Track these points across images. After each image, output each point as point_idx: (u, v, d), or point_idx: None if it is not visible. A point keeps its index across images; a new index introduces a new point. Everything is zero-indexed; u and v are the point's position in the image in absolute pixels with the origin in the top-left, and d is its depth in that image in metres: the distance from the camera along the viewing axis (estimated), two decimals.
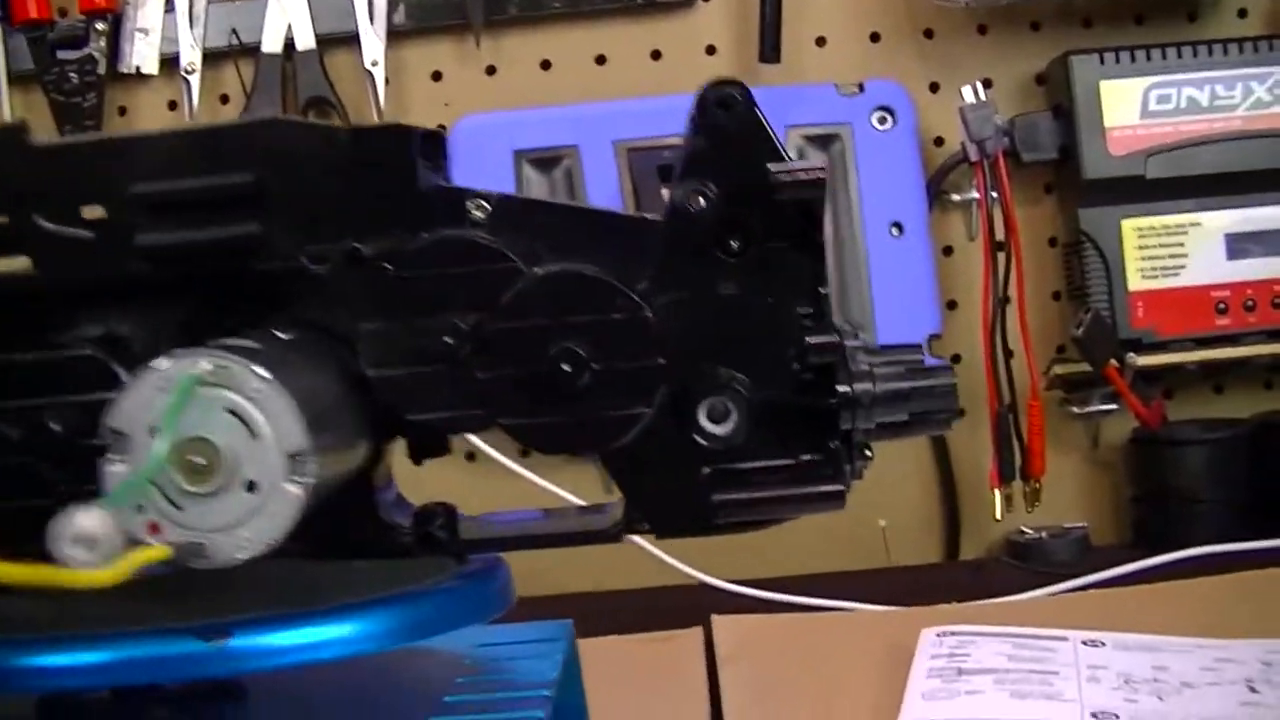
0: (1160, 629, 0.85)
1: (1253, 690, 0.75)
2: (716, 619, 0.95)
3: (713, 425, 0.52)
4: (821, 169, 0.51)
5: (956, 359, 1.24)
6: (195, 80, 1.21)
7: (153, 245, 0.53)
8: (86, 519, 0.44)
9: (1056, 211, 1.26)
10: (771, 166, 0.51)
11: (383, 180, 0.53)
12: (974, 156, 1.17)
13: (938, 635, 0.85)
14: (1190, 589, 0.99)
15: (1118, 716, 0.71)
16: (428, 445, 0.57)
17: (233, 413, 0.45)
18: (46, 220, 0.53)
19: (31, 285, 0.53)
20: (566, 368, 0.51)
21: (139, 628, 0.47)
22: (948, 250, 1.25)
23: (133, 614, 0.48)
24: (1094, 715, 0.71)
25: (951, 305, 1.25)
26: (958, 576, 1.13)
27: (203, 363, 0.45)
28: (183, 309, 0.54)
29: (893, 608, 0.99)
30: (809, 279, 0.53)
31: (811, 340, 0.52)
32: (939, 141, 1.24)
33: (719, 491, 0.53)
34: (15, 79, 1.23)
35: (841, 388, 0.52)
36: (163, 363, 0.46)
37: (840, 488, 0.53)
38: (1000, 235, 1.17)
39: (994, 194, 1.17)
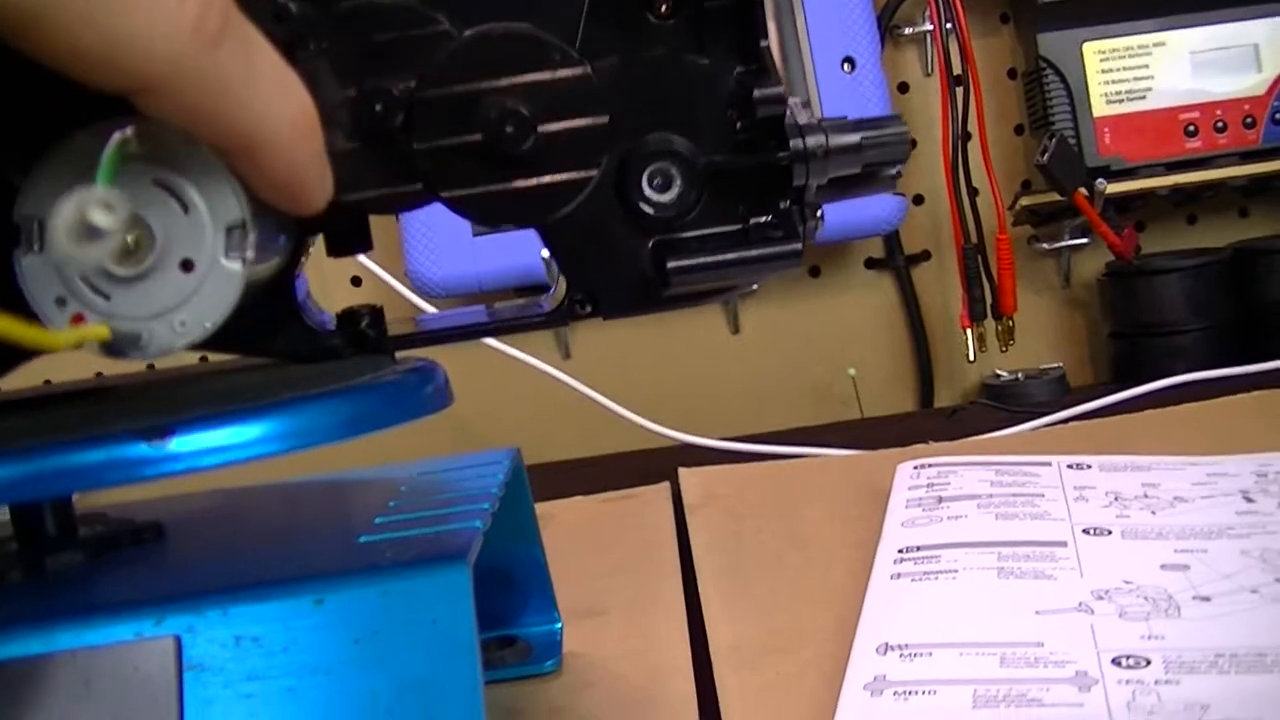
0: (1147, 454, 0.81)
1: (1248, 500, 0.71)
2: (684, 471, 0.92)
3: (656, 193, 0.50)
4: None
5: (919, 200, 1.20)
6: None
7: None
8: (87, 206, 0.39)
9: (1014, 42, 1.21)
10: None
11: None
12: None
13: (915, 468, 0.81)
14: (1174, 415, 0.96)
15: (1110, 531, 0.67)
16: (346, 236, 0.52)
17: (161, 184, 0.41)
18: None
19: None
20: (510, 129, 0.47)
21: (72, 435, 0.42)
22: (903, 87, 1.21)
23: (58, 424, 0.44)
24: (1085, 531, 0.67)
25: (911, 144, 1.19)
26: (934, 423, 1.08)
27: (125, 127, 0.41)
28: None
29: (863, 451, 0.95)
30: (746, 33, 0.50)
31: (758, 93, 0.49)
32: None
33: (673, 257, 0.49)
34: None
35: (793, 142, 0.49)
36: (78, 135, 0.41)
37: (797, 246, 0.50)
38: (957, 69, 1.12)
39: (948, 25, 1.12)
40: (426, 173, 0.48)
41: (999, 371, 1.16)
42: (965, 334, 1.13)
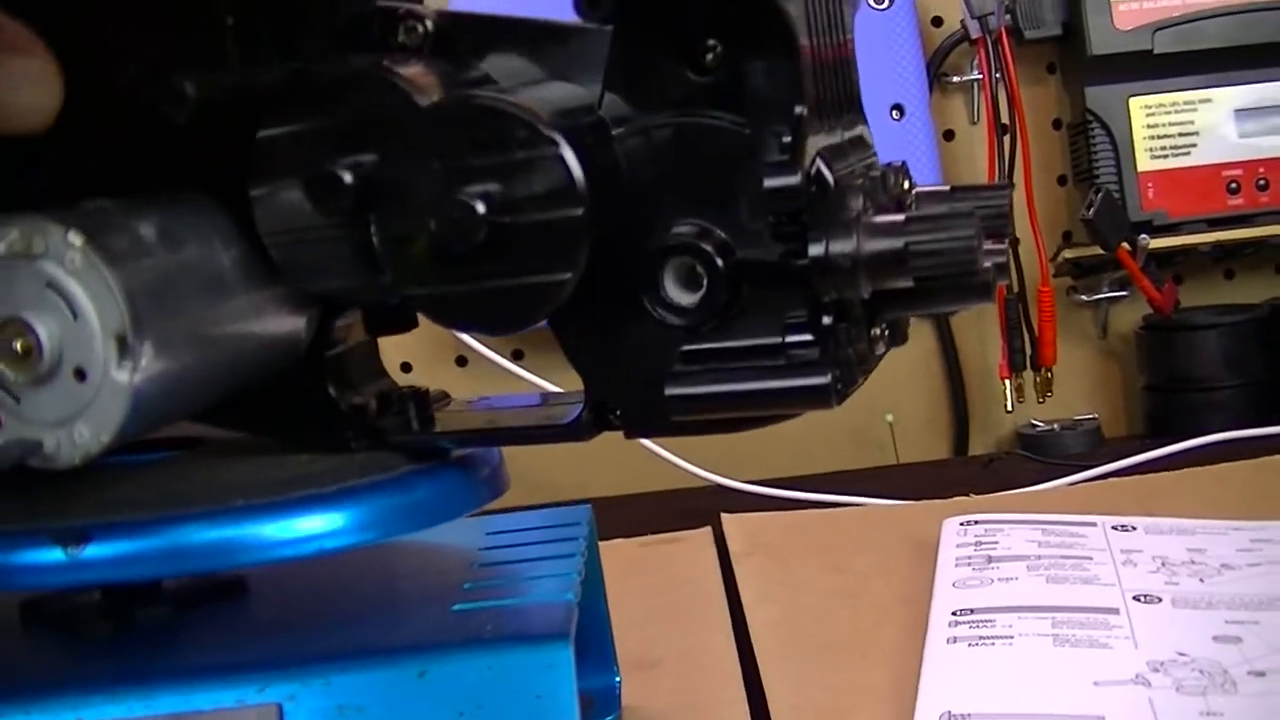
0: (1187, 516, 0.82)
1: None
2: (726, 517, 0.92)
3: (681, 294, 0.42)
4: None
5: None
6: None
7: None
8: None
9: (1061, 91, 1.22)
10: None
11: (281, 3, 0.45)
12: (975, 34, 1.13)
13: (961, 524, 0.81)
14: (1212, 475, 0.96)
15: (1160, 599, 0.68)
16: (387, 315, 0.49)
17: (53, 288, 0.40)
18: None
19: None
20: (458, 220, 0.40)
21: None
22: (949, 134, 1.21)
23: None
24: (1136, 598, 0.68)
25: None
26: (969, 471, 1.09)
27: (9, 230, 0.40)
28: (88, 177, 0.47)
29: (906, 501, 0.96)
30: (786, 97, 0.41)
31: (768, 183, 0.40)
32: (937, 21, 1.20)
33: (674, 384, 0.42)
34: None
35: (815, 246, 0.40)
36: None
37: (822, 381, 0.40)
38: (1004, 117, 1.14)
39: (996, 74, 1.13)
40: (389, 265, 0.43)
41: (1034, 421, 1.17)
42: (1004, 384, 1.14)
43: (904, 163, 0.47)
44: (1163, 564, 0.73)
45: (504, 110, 0.40)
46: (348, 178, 0.41)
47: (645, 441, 1.05)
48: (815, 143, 0.41)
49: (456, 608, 0.45)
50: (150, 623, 0.48)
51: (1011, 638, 0.64)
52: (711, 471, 1.05)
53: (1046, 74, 1.22)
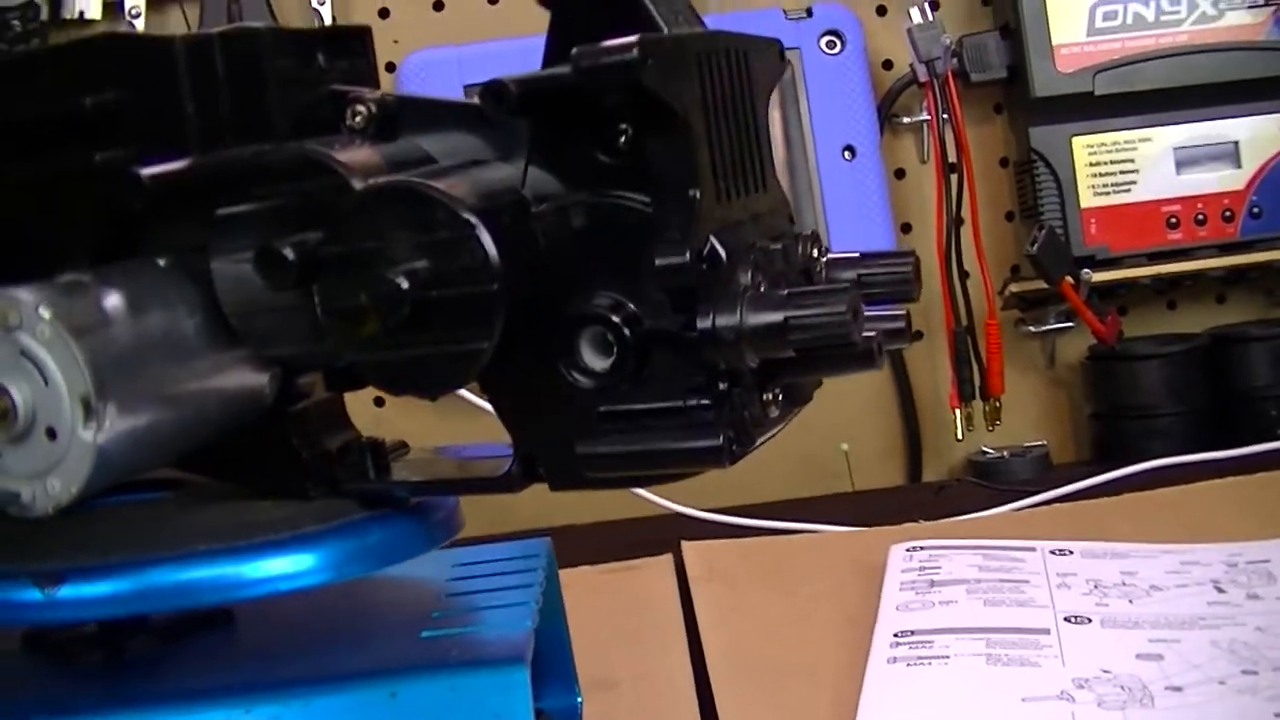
0: (1124, 539, 0.86)
1: (1219, 590, 0.76)
2: (686, 544, 0.96)
3: (595, 359, 0.45)
4: (630, 45, 0.42)
5: None
6: (140, 24, 1.19)
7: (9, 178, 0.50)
8: None
9: (1007, 131, 1.26)
10: (576, 50, 0.43)
11: (248, 89, 0.49)
12: (923, 77, 1.18)
13: (907, 550, 0.85)
14: (1151, 500, 1.01)
15: (1090, 620, 0.72)
16: (340, 377, 0.53)
17: (26, 356, 0.44)
18: None
19: None
20: (385, 295, 0.44)
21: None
22: (899, 173, 1.25)
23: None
24: (1067, 619, 0.72)
25: (906, 228, 1.25)
26: (921, 497, 1.13)
27: None
28: (74, 245, 0.50)
29: (859, 528, 1.00)
30: (674, 178, 0.44)
31: (658, 261, 0.43)
32: (888, 65, 1.24)
33: (584, 443, 0.45)
34: None
35: (703, 320, 0.43)
36: None
37: (715, 442, 0.44)
38: (952, 157, 1.18)
39: (944, 115, 1.18)
40: (332, 334, 0.46)
41: (985, 449, 1.22)
42: (954, 414, 1.18)
43: (814, 231, 0.50)
44: (1095, 586, 0.77)
45: (428, 195, 0.44)
46: (290, 254, 0.45)
47: None
48: (721, 217, 0.45)
49: (425, 634, 0.49)
50: (140, 652, 0.52)
51: (948, 658, 0.68)
52: (671, 500, 1.09)
53: (994, 114, 1.26)
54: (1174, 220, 1.18)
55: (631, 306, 0.44)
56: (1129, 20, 1.18)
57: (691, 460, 0.45)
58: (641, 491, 1.08)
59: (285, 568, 0.45)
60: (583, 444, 0.45)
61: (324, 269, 0.45)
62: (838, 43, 1.19)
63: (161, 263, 0.48)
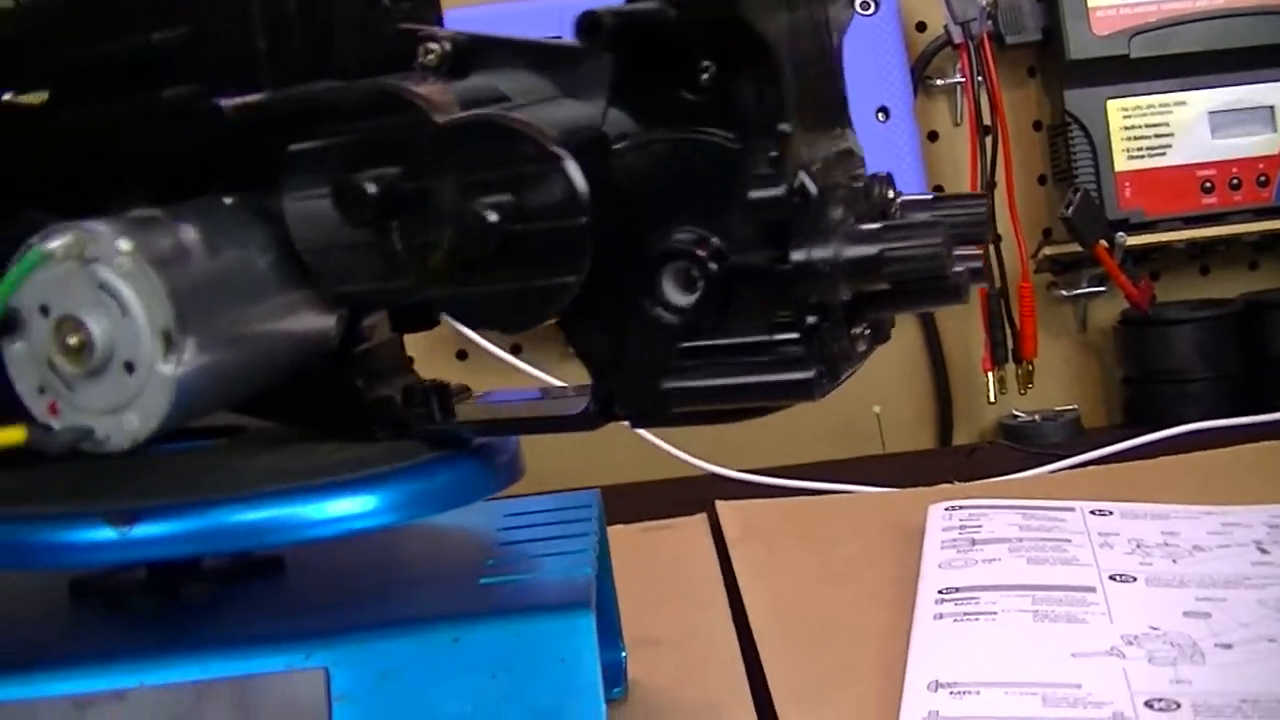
0: (1160, 501, 0.86)
1: (1263, 551, 0.75)
2: (721, 504, 0.96)
3: (678, 295, 0.45)
4: None
5: None
6: None
7: (79, 117, 0.50)
8: None
9: (1040, 94, 1.25)
10: None
11: (320, 27, 0.48)
12: (958, 39, 1.17)
13: (946, 509, 0.85)
14: (1186, 463, 1.00)
15: (1135, 578, 0.72)
16: (410, 314, 0.53)
17: (104, 289, 0.43)
18: None
19: None
20: (473, 228, 0.44)
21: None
22: (933, 135, 1.25)
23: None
24: (1112, 577, 0.72)
25: (938, 190, 1.24)
26: (953, 460, 1.13)
27: (65, 237, 0.44)
28: (139, 184, 0.51)
29: (894, 489, 0.99)
30: (772, 114, 0.44)
31: (753, 194, 0.44)
32: (921, 27, 1.24)
33: (670, 378, 0.45)
34: None
35: (796, 252, 0.44)
36: (35, 238, 0.45)
37: (805, 375, 0.44)
38: (986, 119, 1.17)
39: (979, 78, 1.17)
40: (414, 269, 0.46)
41: (1016, 412, 1.21)
42: (987, 377, 1.18)
43: (889, 173, 0.50)
44: (1138, 546, 0.77)
45: (514, 129, 0.44)
46: (371, 189, 0.45)
47: (642, 432, 1.09)
48: (806, 154, 0.45)
49: (483, 581, 0.48)
50: (193, 598, 0.52)
51: (995, 614, 0.68)
52: (705, 460, 1.09)
53: (1027, 77, 1.26)
54: (1209, 185, 1.18)
55: (716, 241, 0.44)
56: None
57: (781, 393, 0.45)
58: (675, 451, 1.08)
59: (359, 507, 0.45)
60: (669, 379, 0.45)
61: (404, 204, 0.45)
62: (871, 4, 1.18)
63: (229, 200, 0.48)
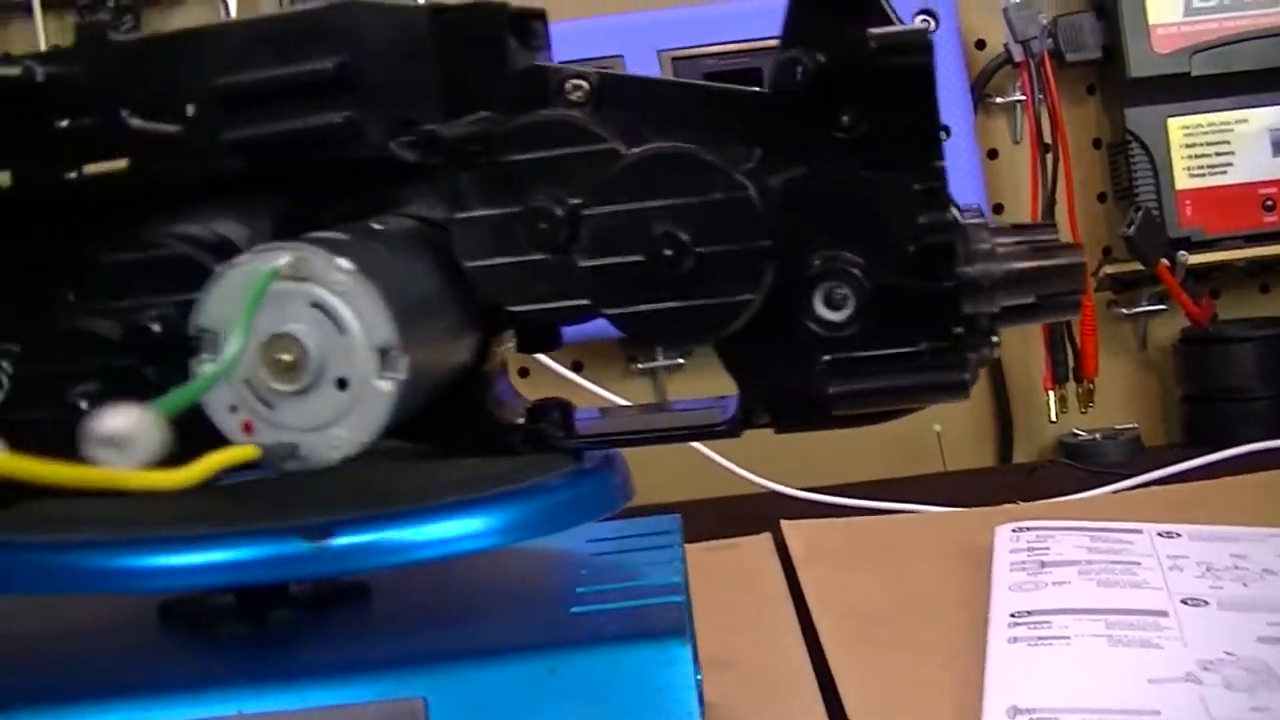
0: (1223, 523, 0.86)
1: None
2: (786, 524, 0.96)
3: (829, 312, 0.50)
4: (925, 30, 0.48)
5: None
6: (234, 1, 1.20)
7: (239, 139, 0.52)
8: (117, 419, 0.41)
9: (1099, 112, 1.26)
10: (872, 30, 0.48)
11: (470, 61, 0.51)
12: (1018, 57, 1.18)
13: (1013, 531, 0.85)
14: (1249, 483, 1.00)
15: (1207, 602, 0.72)
16: (538, 336, 0.56)
17: (318, 307, 0.45)
18: (135, 117, 0.52)
19: (128, 185, 0.53)
20: (668, 253, 0.48)
21: (248, 527, 0.46)
22: (992, 153, 1.25)
23: (227, 516, 0.48)
24: (1184, 601, 0.72)
25: (998, 209, 1.25)
26: (1013, 479, 1.13)
27: (282, 256, 0.45)
28: (280, 205, 0.54)
29: (959, 509, 1.00)
30: (924, 153, 0.49)
31: (924, 219, 0.49)
32: (980, 44, 1.24)
33: (836, 382, 0.50)
34: (48, 5, 1.22)
35: (961, 270, 0.49)
36: (245, 258, 0.46)
37: (962, 377, 0.50)
38: (1047, 137, 1.17)
39: (1039, 95, 1.17)
40: (591, 289, 0.49)
41: (1076, 431, 1.21)
42: (1047, 395, 1.18)
43: (977, 204, 0.54)
44: (1207, 569, 0.77)
45: (706, 160, 0.48)
46: (559, 212, 0.49)
47: (705, 450, 1.09)
48: None
49: (575, 610, 0.49)
50: (282, 624, 0.52)
51: (1068, 638, 0.68)
52: (765, 478, 1.09)
53: (1086, 95, 1.26)
54: (1270, 203, 1.18)
55: (863, 262, 0.50)
56: (1226, 0, 1.17)
57: (935, 396, 0.50)
58: (737, 469, 1.08)
59: (527, 518, 0.48)
60: (835, 384, 0.50)
61: (588, 228, 0.49)
62: (931, 21, 1.18)
63: (406, 222, 0.51)
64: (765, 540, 0.95)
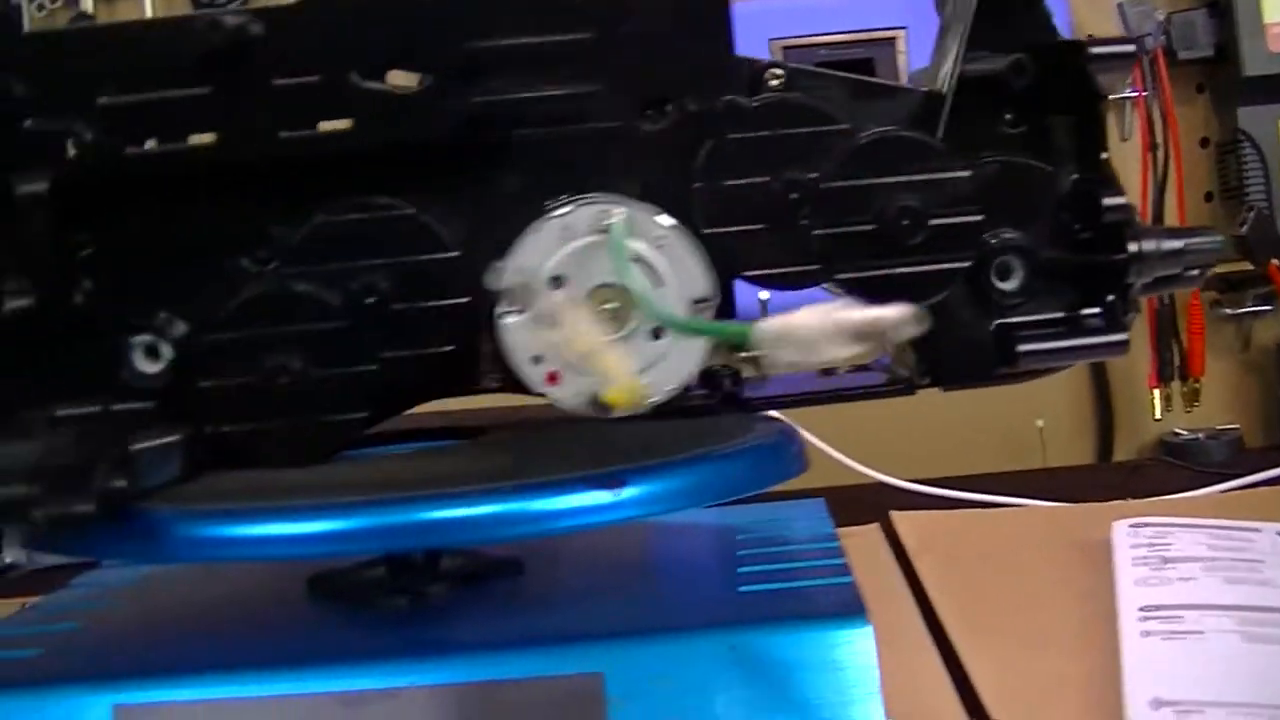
0: None
1: None
2: (896, 514, 0.96)
3: (1000, 282, 0.58)
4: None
5: None
6: None
7: (478, 105, 0.53)
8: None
9: (1208, 111, 1.25)
10: (1093, 37, 0.57)
11: (704, 42, 0.54)
12: None
13: (1131, 527, 0.85)
14: None
15: None
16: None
17: (639, 260, 0.47)
18: (363, 79, 0.52)
19: (351, 145, 0.52)
20: (905, 222, 0.56)
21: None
22: None
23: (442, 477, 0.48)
24: None
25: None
26: (1116, 476, 1.13)
27: (616, 210, 0.47)
28: (508, 173, 0.54)
29: (1067, 504, 0.99)
30: (1090, 145, 0.59)
31: (1106, 201, 0.58)
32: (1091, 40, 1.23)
33: (1026, 341, 0.58)
34: None
35: (1131, 245, 0.58)
36: (564, 211, 0.47)
37: (1123, 337, 0.59)
38: (1158, 135, 1.17)
39: (1151, 92, 1.17)
40: (826, 254, 0.55)
41: (1178, 430, 1.21)
42: (1152, 393, 1.17)
43: None
44: None
45: (927, 142, 0.57)
46: (804, 182, 0.56)
47: (815, 440, 1.09)
48: None
49: (744, 589, 0.49)
50: (437, 598, 0.53)
51: (1202, 632, 0.67)
52: (870, 468, 1.09)
53: (1195, 93, 1.25)
54: None
55: (1027, 239, 0.59)
56: None
57: (1104, 353, 0.60)
58: (845, 459, 1.09)
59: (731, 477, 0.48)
60: (1023, 344, 0.58)
61: (822, 199, 0.56)
62: None
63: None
64: (875, 530, 0.95)
